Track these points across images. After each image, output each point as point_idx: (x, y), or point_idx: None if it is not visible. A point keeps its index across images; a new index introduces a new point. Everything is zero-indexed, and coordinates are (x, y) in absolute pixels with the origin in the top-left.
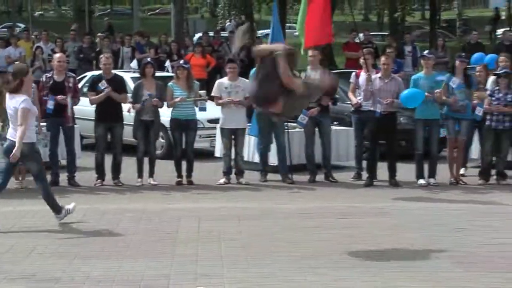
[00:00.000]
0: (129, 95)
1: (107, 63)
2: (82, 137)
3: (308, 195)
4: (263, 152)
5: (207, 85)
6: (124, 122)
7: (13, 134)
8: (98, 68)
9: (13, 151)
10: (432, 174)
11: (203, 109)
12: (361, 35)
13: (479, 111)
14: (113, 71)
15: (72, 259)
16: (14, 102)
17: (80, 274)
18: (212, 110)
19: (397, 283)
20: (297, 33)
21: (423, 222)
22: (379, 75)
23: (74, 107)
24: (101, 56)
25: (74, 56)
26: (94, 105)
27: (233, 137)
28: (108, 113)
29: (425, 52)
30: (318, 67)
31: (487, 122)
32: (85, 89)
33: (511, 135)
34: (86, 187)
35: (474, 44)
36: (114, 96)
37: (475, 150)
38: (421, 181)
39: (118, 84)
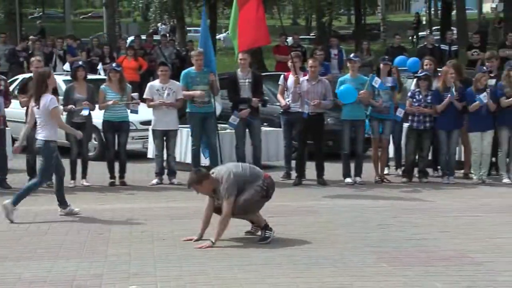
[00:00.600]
0: (61, 97)
1: (38, 66)
2: (13, 140)
3: None
4: (195, 152)
5: (139, 87)
6: None
7: (43, 134)
8: (29, 71)
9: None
10: (358, 173)
11: (135, 111)
12: (290, 38)
13: (400, 112)
14: None
15: (3, 261)
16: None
17: (11, 275)
18: (145, 112)
19: (324, 279)
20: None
21: (350, 219)
22: (306, 77)
23: (6, 109)
24: (33, 59)
25: (5, 59)
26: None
27: (164, 138)
28: None
29: (351, 55)
30: (247, 70)
31: (409, 123)
32: (16, 92)
33: (431, 135)
34: (18, 189)
35: (397, 47)
36: None
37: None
38: (348, 180)
39: None
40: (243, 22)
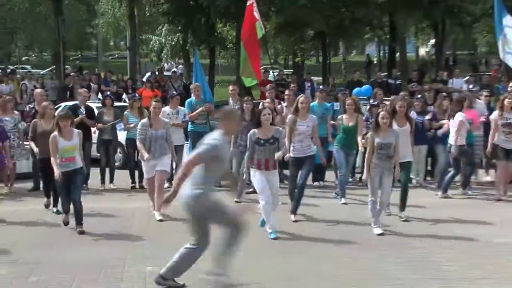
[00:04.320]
0: None
1: (86, 95)
2: None
3: None
4: None
5: None
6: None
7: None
8: (72, 99)
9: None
10: (322, 177)
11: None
12: (275, 73)
13: None
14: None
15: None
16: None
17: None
18: None
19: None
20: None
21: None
22: (284, 104)
23: None
24: (80, 90)
25: (56, 91)
26: None
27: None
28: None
29: (320, 86)
30: (237, 98)
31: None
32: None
33: None
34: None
35: (356, 81)
36: (85, 120)
37: None
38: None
39: (89, 112)
40: (255, 56)
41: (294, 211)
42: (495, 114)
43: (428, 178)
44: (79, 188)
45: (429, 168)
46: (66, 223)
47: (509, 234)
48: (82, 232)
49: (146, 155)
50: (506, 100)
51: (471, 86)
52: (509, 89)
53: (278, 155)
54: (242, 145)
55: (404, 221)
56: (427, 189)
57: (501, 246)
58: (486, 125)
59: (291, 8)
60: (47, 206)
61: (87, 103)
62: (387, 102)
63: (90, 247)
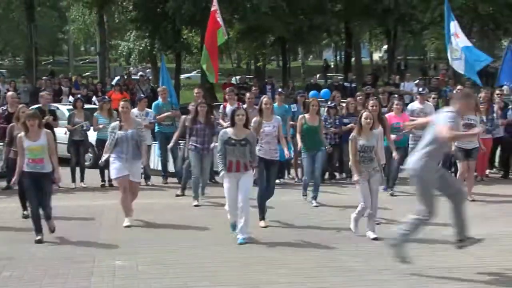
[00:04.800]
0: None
1: (48, 98)
2: None
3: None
4: (163, 162)
5: None
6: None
7: None
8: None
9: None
10: (283, 175)
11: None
12: (238, 77)
13: None
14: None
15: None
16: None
17: (26, 253)
18: None
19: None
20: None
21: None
22: (245, 106)
23: None
24: (41, 93)
25: (28, 94)
26: None
27: None
28: None
29: (279, 89)
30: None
31: None
32: None
33: (339, 149)
34: None
35: (314, 84)
36: (51, 123)
37: None
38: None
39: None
40: (215, 59)
41: (263, 218)
42: None
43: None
44: (48, 194)
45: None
46: (39, 242)
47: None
48: (40, 241)
49: (104, 157)
50: None
51: (420, 89)
52: (455, 92)
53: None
54: (196, 147)
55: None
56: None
57: (450, 237)
58: None
59: (254, 15)
60: (26, 217)
61: (49, 105)
62: (344, 104)
63: (61, 243)
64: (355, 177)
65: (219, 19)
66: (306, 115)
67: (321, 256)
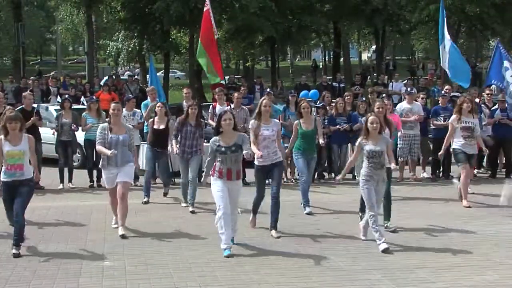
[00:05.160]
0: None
1: (30, 98)
2: None
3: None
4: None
5: None
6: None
7: None
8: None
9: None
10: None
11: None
12: (227, 77)
13: None
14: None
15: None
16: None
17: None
18: None
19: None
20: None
21: None
22: (232, 106)
23: None
24: (24, 94)
25: (13, 94)
26: None
27: None
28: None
29: (268, 89)
30: (190, 100)
31: None
32: None
33: (327, 148)
34: None
35: (303, 84)
36: (38, 123)
37: None
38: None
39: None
40: (215, 57)
41: (274, 227)
42: (453, 118)
43: None
44: (24, 201)
45: None
46: (16, 256)
47: (443, 227)
48: (17, 255)
49: (108, 152)
50: (465, 104)
51: (409, 89)
52: (443, 92)
53: (245, 152)
54: (186, 151)
55: (392, 231)
56: None
57: (438, 238)
58: (422, 124)
59: (242, 15)
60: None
61: (39, 105)
62: (333, 105)
63: (49, 244)
64: (340, 176)
65: (212, 18)
66: (301, 120)
67: (310, 256)
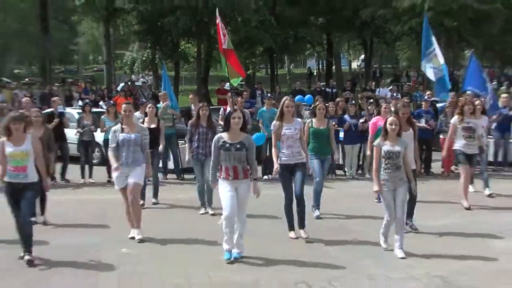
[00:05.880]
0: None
1: (59, 103)
2: None
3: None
4: (163, 160)
5: None
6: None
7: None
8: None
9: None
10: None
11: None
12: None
13: None
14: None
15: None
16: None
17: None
18: None
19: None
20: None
21: None
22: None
23: None
24: (53, 98)
25: (39, 99)
26: None
27: None
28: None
29: (268, 94)
30: (196, 104)
31: None
32: None
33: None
34: None
35: (299, 90)
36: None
37: None
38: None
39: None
40: (233, 59)
41: (302, 226)
42: (455, 119)
43: (359, 172)
44: (31, 203)
45: (360, 163)
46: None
47: (429, 218)
48: (31, 262)
49: (115, 164)
50: (466, 106)
51: (394, 94)
52: (425, 97)
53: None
54: (200, 153)
55: (414, 230)
56: (359, 180)
57: (422, 228)
58: None
59: (245, 28)
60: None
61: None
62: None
63: (69, 233)
64: (375, 187)
65: (221, 30)
66: (314, 119)
67: (307, 247)
